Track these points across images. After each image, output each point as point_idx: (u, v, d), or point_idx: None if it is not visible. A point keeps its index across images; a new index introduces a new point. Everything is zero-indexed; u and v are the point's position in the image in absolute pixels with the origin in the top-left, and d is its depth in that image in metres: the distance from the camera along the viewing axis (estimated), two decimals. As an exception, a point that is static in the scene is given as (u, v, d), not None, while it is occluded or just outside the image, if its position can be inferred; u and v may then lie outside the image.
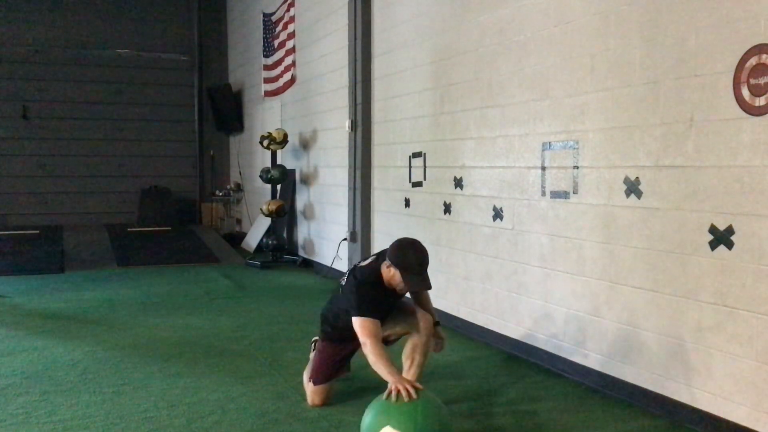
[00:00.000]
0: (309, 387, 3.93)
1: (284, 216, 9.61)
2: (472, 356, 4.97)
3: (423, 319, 3.75)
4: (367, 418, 3.16)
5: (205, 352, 5.02)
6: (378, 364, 3.39)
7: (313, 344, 4.29)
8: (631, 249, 3.92)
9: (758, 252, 3.20)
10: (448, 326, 5.73)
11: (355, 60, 7.25)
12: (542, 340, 4.69)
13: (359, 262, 3.94)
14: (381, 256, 3.78)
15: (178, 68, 13.58)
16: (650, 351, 3.83)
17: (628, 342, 3.98)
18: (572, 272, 4.38)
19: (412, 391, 3.12)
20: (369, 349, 3.44)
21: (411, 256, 3.59)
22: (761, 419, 3.22)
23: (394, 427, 3.03)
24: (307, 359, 4.26)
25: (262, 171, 9.53)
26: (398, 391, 3.12)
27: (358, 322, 3.53)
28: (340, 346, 3.93)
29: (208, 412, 3.78)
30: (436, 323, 3.91)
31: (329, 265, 8.26)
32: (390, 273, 3.60)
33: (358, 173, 7.31)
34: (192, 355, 4.95)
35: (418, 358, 3.72)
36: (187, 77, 13.70)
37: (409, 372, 3.71)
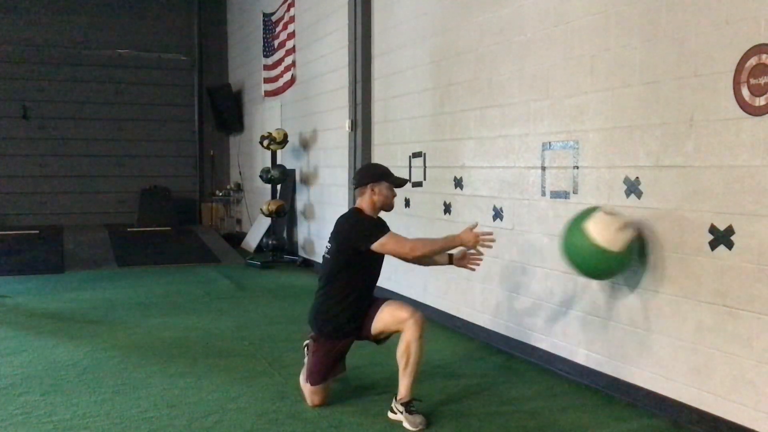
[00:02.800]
0: (306, 388, 3.93)
1: (284, 216, 9.61)
2: (472, 356, 4.97)
3: (413, 317, 3.73)
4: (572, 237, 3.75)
5: (205, 352, 5.02)
6: (436, 245, 3.86)
7: (305, 348, 4.27)
8: (631, 249, 3.92)
9: (758, 252, 3.20)
10: (449, 326, 5.74)
11: (355, 60, 7.25)
12: (542, 341, 4.68)
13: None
14: (346, 213, 4.09)
15: (178, 68, 13.59)
16: (650, 351, 3.82)
17: (629, 342, 3.98)
18: (572, 272, 4.37)
19: (484, 236, 3.73)
20: (419, 248, 3.79)
21: (381, 165, 4.07)
22: (761, 419, 3.22)
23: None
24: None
25: (262, 171, 9.53)
26: (476, 241, 3.67)
27: (383, 243, 3.72)
28: (334, 343, 3.92)
29: (208, 412, 3.78)
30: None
31: (329, 265, 8.25)
32: (375, 194, 3.88)
33: (358, 173, 7.30)
34: (192, 355, 4.95)
35: (413, 357, 3.70)
36: (187, 77, 13.71)
37: (405, 371, 3.69)
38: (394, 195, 3.96)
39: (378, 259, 3.92)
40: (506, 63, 4.97)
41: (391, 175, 3.96)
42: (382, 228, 3.83)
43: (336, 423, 3.65)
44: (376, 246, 3.72)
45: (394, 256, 3.85)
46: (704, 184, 3.46)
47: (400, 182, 3.98)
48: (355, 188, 3.97)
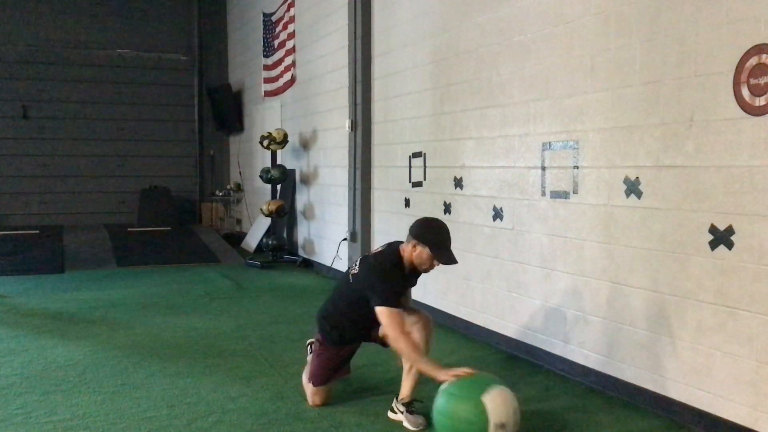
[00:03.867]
0: (309, 388, 3.93)
1: (284, 216, 9.61)
2: (472, 356, 4.97)
3: (422, 319, 3.74)
4: (448, 403, 3.19)
5: (205, 352, 5.02)
6: (419, 363, 3.45)
7: (309, 347, 4.27)
8: (631, 249, 3.92)
9: (758, 252, 3.20)
10: (449, 326, 5.73)
11: (355, 60, 7.25)
12: (542, 340, 4.68)
13: (369, 253, 3.93)
14: (392, 244, 3.80)
15: (178, 68, 13.59)
16: (650, 351, 3.82)
17: (629, 342, 3.98)
18: (572, 272, 4.38)
19: (467, 370, 3.27)
20: (403, 346, 3.44)
21: (442, 232, 3.62)
22: (761, 419, 3.22)
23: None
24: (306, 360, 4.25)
25: (262, 171, 9.53)
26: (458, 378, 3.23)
27: (385, 314, 3.48)
28: (339, 348, 3.91)
29: (208, 412, 3.78)
30: None
31: (329, 265, 8.26)
32: (416, 252, 3.59)
33: (358, 173, 7.31)
34: (192, 355, 4.95)
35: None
36: (187, 77, 13.71)
37: (410, 372, 3.70)
38: (432, 266, 3.65)
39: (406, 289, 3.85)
40: (506, 63, 4.97)
41: (442, 246, 3.59)
42: (390, 300, 3.53)
43: (336, 423, 3.65)
44: (376, 310, 3.52)
45: (381, 326, 3.63)
46: (704, 184, 3.46)
47: (443, 261, 3.60)
48: (409, 233, 3.69)
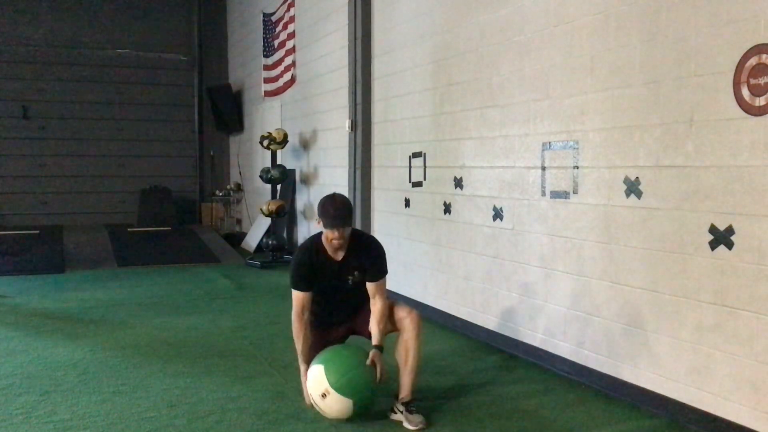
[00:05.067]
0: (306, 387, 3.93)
1: (284, 216, 9.61)
2: (472, 356, 4.97)
3: (410, 315, 3.73)
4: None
5: (205, 352, 5.02)
6: (296, 344, 3.90)
7: None
8: (631, 249, 3.92)
9: (758, 252, 3.20)
10: (449, 326, 5.73)
11: (355, 60, 7.25)
12: (542, 340, 4.69)
13: None
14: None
15: (178, 68, 13.60)
16: (650, 351, 3.82)
17: (628, 342, 3.98)
18: (572, 272, 4.38)
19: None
20: (293, 328, 3.88)
21: (325, 202, 3.78)
22: (761, 419, 3.22)
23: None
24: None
25: (262, 171, 9.53)
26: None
27: (293, 294, 3.86)
28: (325, 331, 3.97)
29: (208, 412, 3.78)
30: (379, 348, 3.74)
31: (329, 265, 8.25)
32: (320, 228, 3.79)
33: (358, 173, 7.30)
34: (192, 355, 4.95)
35: (412, 356, 3.69)
36: (187, 77, 13.71)
37: (405, 371, 3.68)
38: (333, 237, 3.71)
39: (335, 270, 3.86)
40: (506, 63, 4.97)
41: (325, 215, 3.71)
42: (293, 282, 3.93)
43: (336, 423, 3.65)
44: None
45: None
46: (704, 184, 3.46)
47: (324, 224, 3.72)
48: (349, 223, 3.77)
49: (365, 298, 3.85)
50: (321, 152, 8.77)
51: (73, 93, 12.83)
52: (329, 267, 3.83)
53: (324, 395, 3.56)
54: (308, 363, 3.79)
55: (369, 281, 3.83)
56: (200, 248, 10.49)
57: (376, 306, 3.79)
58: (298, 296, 3.89)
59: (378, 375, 3.63)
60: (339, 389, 3.53)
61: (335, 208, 3.69)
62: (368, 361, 3.62)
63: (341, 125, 7.69)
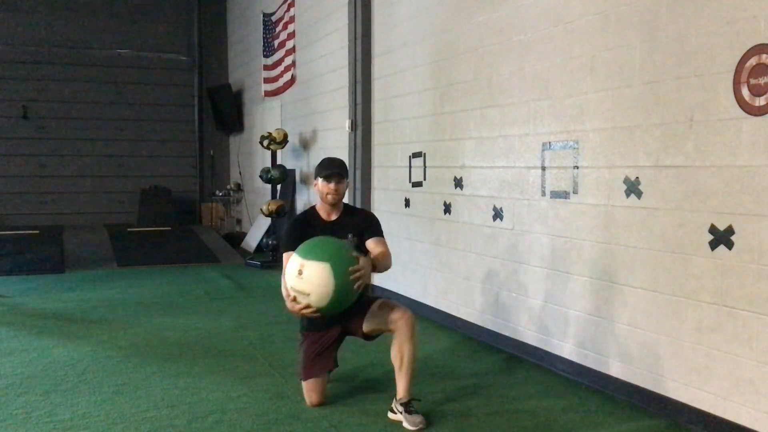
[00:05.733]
0: (303, 386, 3.93)
1: (284, 216, 9.60)
2: (472, 356, 4.97)
3: (404, 316, 3.73)
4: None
5: (205, 352, 5.02)
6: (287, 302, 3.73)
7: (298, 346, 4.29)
8: (631, 249, 3.92)
9: (758, 252, 3.20)
10: (449, 326, 5.74)
11: (355, 60, 7.25)
12: (542, 340, 4.69)
13: None
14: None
15: (178, 68, 13.59)
16: (650, 351, 3.82)
17: (628, 342, 3.98)
18: (572, 272, 4.38)
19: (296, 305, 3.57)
20: (282, 284, 3.70)
21: (325, 160, 4.02)
22: (761, 419, 3.22)
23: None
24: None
25: (262, 171, 9.53)
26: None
27: (283, 258, 3.82)
28: (319, 333, 3.95)
29: (208, 412, 3.78)
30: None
31: (329, 265, 8.24)
32: (317, 188, 3.96)
33: (358, 173, 7.30)
34: (192, 355, 4.95)
35: (407, 357, 3.68)
36: (187, 77, 13.70)
37: (401, 371, 3.68)
38: (328, 191, 3.89)
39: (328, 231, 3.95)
40: (506, 63, 4.97)
41: (321, 166, 3.99)
42: (284, 245, 3.91)
43: (336, 423, 3.65)
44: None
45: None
46: (704, 184, 3.47)
47: (321, 174, 3.93)
48: (344, 179, 3.98)
49: (358, 297, 3.85)
50: (321, 152, 8.76)
51: (73, 93, 12.81)
52: (323, 227, 3.91)
53: (300, 272, 3.47)
54: None
55: (368, 239, 3.91)
56: (200, 248, 10.49)
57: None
58: (289, 258, 3.74)
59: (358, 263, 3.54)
60: (312, 257, 3.48)
61: (332, 163, 3.96)
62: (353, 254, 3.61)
63: (341, 125, 7.69)
